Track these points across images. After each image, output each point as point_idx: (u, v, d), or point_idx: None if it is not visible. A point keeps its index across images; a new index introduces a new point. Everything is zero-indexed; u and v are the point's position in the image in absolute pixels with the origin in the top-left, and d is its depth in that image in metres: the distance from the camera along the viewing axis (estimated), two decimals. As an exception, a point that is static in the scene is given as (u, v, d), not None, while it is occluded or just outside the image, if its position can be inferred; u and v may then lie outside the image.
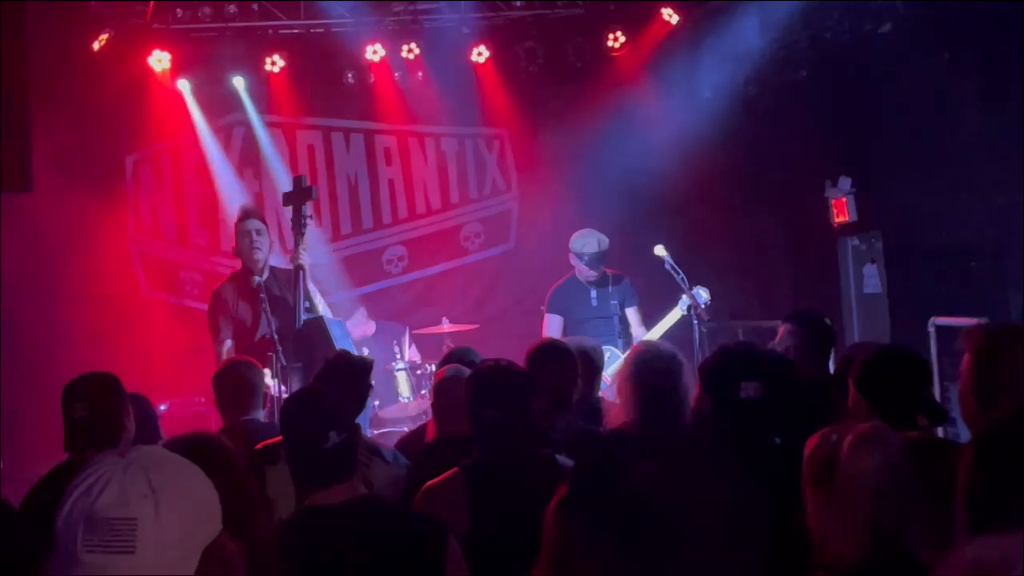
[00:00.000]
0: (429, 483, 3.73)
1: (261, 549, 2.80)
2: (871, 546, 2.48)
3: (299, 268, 6.64)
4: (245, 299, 6.82)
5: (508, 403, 3.72)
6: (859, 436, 2.58)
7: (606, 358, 7.50)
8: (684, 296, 7.54)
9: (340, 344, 6.48)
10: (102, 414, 4.14)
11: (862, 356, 3.65)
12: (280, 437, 4.08)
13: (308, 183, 7.25)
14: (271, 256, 6.99)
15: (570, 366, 4.63)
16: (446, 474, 3.72)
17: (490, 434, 3.72)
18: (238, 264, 7.02)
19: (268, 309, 6.43)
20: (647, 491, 1.81)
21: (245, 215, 7.06)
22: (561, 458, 3.75)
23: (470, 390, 3.85)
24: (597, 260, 7.80)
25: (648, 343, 5.29)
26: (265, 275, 6.76)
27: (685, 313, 7.61)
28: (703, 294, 7.59)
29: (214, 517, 1.81)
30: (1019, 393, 3.21)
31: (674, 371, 4.21)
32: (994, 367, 3.27)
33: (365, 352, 8.62)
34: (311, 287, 6.86)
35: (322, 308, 6.89)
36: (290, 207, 7.05)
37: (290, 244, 10.26)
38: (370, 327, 9.07)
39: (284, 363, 6.19)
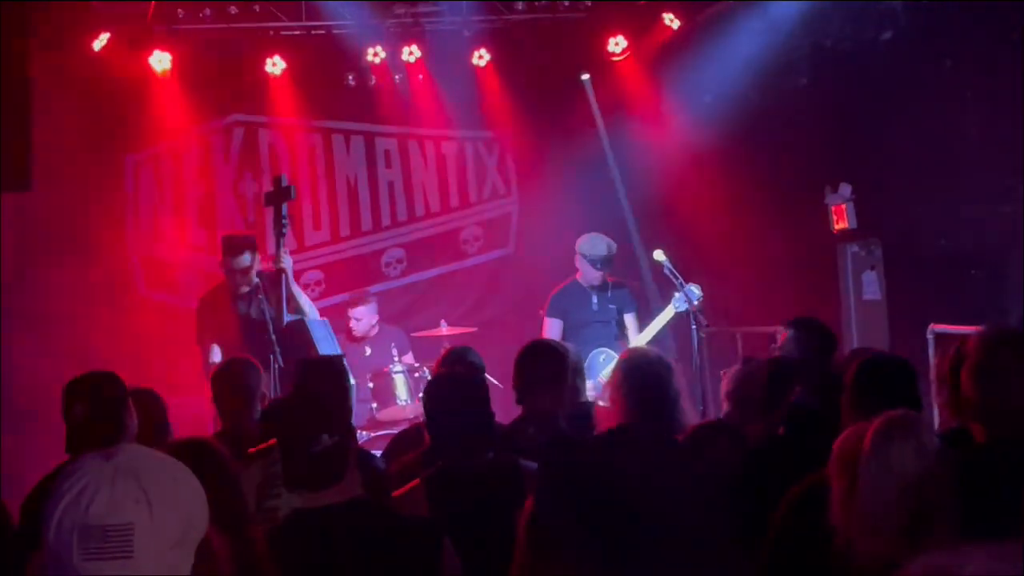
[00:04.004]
0: (393, 494, 3.74)
1: (251, 551, 2.80)
2: (898, 540, 2.41)
3: (281, 271, 6.60)
4: (235, 304, 6.83)
5: (464, 409, 3.72)
6: (887, 423, 2.52)
7: (600, 360, 7.55)
8: (677, 294, 7.50)
9: (322, 345, 6.44)
10: (103, 414, 4.11)
11: (851, 367, 3.63)
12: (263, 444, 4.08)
13: (288, 182, 7.17)
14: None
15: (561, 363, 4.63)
16: (409, 485, 3.73)
17: (447, 440, 3.72)
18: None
19: (267, 311, 6.43)
20: (618, 491, 1.79)
21: (229, 251, 6.93)
22: (525, 463, 3.74)
23: (427, 397, 3.85)
24: (606, 264, 7.79)
25: (636, 348, 5.30)
26: (254, 282, 6.77)
27: (679, 310, 7.56)
28: (695, 291, 7.52)
29: (204, 514, 1.81)
30: (1018, 398, 3.20)
31: (663, 375, 4.23)
32: (992, 372, 3.26)
33: (367, 352, 8.63)
34: (295, 288, 6.85)
35: (308, 308, 6.86)
36: (271, 207, 7.01)
37: (291, 245, 10.37)
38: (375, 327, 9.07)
39: (282, 364, 6.19)
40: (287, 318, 6.54)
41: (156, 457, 1.80)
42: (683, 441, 3.75)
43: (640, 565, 1.75)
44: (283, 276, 6.58)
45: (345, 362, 6.47)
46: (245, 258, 6.76)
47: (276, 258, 6.65)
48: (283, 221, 6.72)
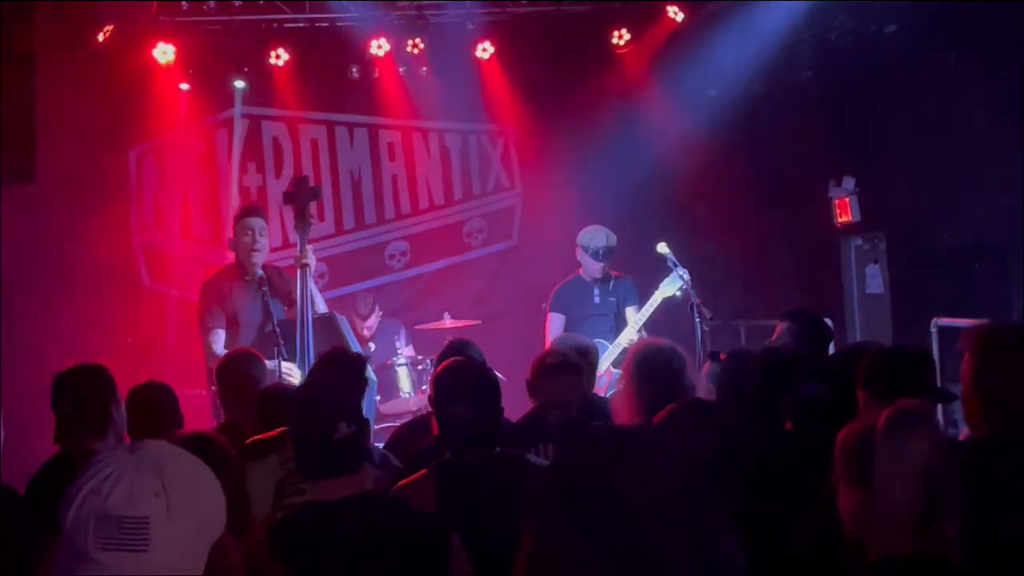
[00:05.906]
0: (399, 484, 3.71)
1: (254, 549, 2.81)
2: (910, 534, 2.36)
3: (304, 267, 6.62)
4: (240, 292, 6.81)
5: (475, 401, 3.67)
6: (901, 413, 2.42)
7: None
8: (668, 277, 7.43)
9: (350, 340, 6.54)
10: (89, 405, 4.20)
11: (864, 359, 3.58)
12: (269, 433, 4.08)
13: (313, 183, 7.26)
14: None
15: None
16: (416, 475, 3.69)
17: (456, 432, 3.69)
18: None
19: (270, 302, 6.44)
20: (622, 487, 1.79)
21: (249, 212, 7.07)
22: (532, 457, 3.72)
23: (437, 387, 3.81)
24: (604, 254, 7.77)
25: (648, 340, 5.28)
26: (259, 272, 6.76)
27: (667, 296, 7.50)
28: (683, 273, 7.42)
29: (221, 515, 1.82)
30: (1021, 394, 3.20)
31: (676, 365, 4.22)
32: (994, 368, 3.25)
33: (372, 347, 8.65)
34: (312, 285, 6.86)
35: (321, 305, 6.89)
36: (289, 206, 7.04)
37: (292, 239, 10.39)
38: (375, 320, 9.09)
39: (286, 356, 6.19)
40: (310, 314, 6.57)
41: (179, 454, 1.81)
42: (665, 421, 3.59)
43: (636, 560, 1.75)
44: (307, 271, 6.61)
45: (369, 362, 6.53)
46: (258, 220, 6.83)
47: (300, 255, 6.64)
48: (308, 219, 6.78)
